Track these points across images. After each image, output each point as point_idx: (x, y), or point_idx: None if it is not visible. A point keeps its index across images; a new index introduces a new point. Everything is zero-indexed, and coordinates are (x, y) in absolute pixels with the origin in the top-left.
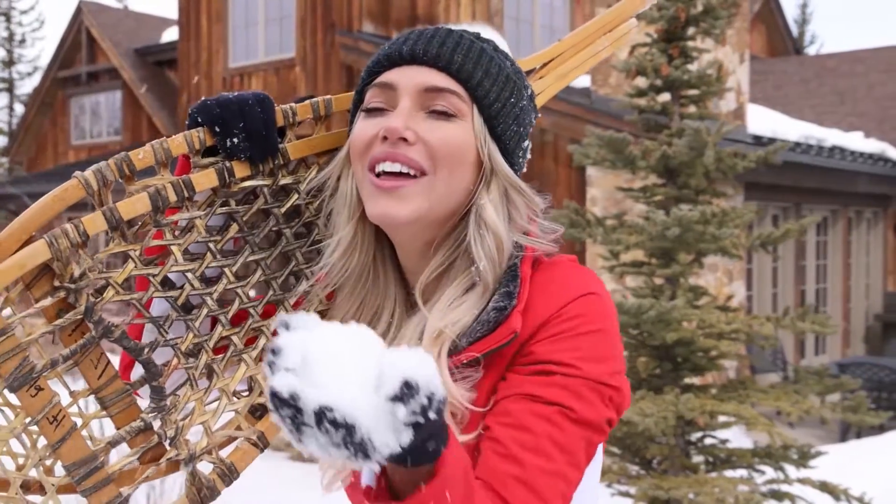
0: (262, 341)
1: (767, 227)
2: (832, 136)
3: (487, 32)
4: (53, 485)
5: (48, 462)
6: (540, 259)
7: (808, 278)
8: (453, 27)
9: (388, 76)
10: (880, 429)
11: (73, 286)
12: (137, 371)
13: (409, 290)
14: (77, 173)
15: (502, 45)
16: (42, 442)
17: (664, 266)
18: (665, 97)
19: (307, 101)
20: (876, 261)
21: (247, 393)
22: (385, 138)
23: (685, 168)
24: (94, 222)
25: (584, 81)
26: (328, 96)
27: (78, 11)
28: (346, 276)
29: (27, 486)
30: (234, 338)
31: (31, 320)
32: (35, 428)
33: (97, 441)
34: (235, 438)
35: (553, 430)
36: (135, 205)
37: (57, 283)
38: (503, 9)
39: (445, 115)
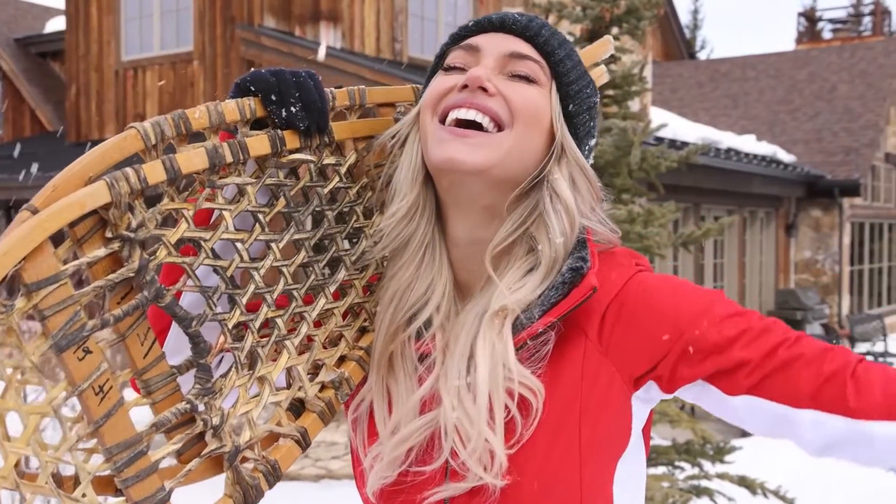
0: (303, 328)
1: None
2: (727, 139)
3: None
4: (89, 473)
5: (84, 446)
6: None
7: (706, 276)
8: None
9: (475, 39)
10: None
11: (131, 235)
12: (175, 354)
13: (457, 277)
14: (135, 124)
15: None
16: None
17: None
18: None
19: (343, 89)
20: (768, 259)
21: (285, 389)
22: (464, 87)
23: (610, 167)
24: (153, 170)
25: None
26: (363, 87)
27: None
28: (403, 243)
29: (59, 483)
30: (279, 320)
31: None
32: (65, 414)
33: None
34: (277, 436)
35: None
36: (192, 159)
37: (111, 234)
38: (407, 6)
39: (526, 80)
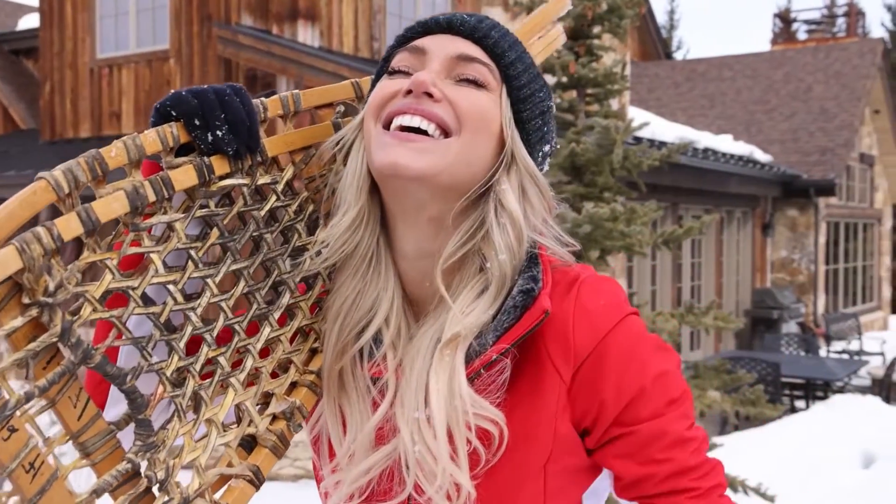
0: (248, 362)
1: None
2: (705, 139)
3: None
4: None
5: None
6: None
7: (683, 276)
8: None
9: (421, 41)
10: (747, 420)
11: (49, 300)
12: (112, 410)
13: (408, 291)
14: (44, 174)
15: None
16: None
17: None
18: (570, 95)
19: (275, 96)
20: (745, 259)
21: (235, 424)
22: (409, 92)
23: (592, 165)
24: (68, 224)
25: None
26: (296, 91)
27: None
28: (346, 255)
29: None
30: (221, 359)
31: None
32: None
33: (77, 495)
34: (229, 477)
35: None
36: (111, 205)
37: (28, 300)
38: (386, 5)
39: (475, 84)
